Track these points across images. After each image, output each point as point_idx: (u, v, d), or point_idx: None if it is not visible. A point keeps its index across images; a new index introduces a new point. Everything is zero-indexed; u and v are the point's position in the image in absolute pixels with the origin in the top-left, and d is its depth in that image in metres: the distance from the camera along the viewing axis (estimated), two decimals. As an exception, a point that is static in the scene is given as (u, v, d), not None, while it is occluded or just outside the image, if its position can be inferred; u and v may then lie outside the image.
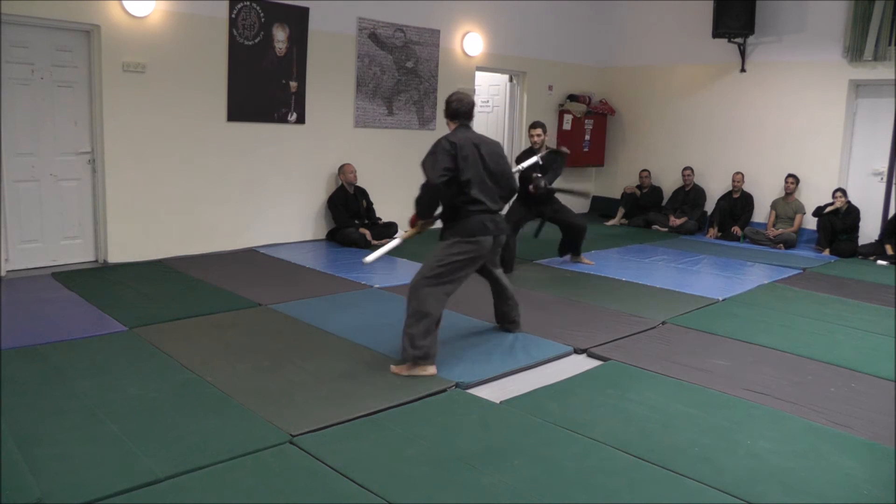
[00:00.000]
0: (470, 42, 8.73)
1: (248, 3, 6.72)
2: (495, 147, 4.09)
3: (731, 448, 3.02)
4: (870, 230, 8.14)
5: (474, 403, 3.45)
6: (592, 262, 6.84)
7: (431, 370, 3.77)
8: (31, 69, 5.70)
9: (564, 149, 6.54)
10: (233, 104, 6.77)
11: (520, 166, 5.27)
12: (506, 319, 4.58)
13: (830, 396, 3.65)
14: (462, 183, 3.86)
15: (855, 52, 8.06)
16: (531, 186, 6.20)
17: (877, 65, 7.98)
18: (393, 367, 3.82)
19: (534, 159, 5.65)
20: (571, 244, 6.81)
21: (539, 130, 6.35)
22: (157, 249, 6.42)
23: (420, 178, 3.90)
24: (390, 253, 4.28)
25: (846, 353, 4.33)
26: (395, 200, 8.06)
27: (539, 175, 6.22)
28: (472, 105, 4.07)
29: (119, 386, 3.46)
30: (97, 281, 5.53)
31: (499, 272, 4.45)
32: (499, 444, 2.99)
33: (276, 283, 5.65)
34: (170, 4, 6.24)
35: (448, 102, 4.08)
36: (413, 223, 4.08)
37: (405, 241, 4.15)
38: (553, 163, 6.39)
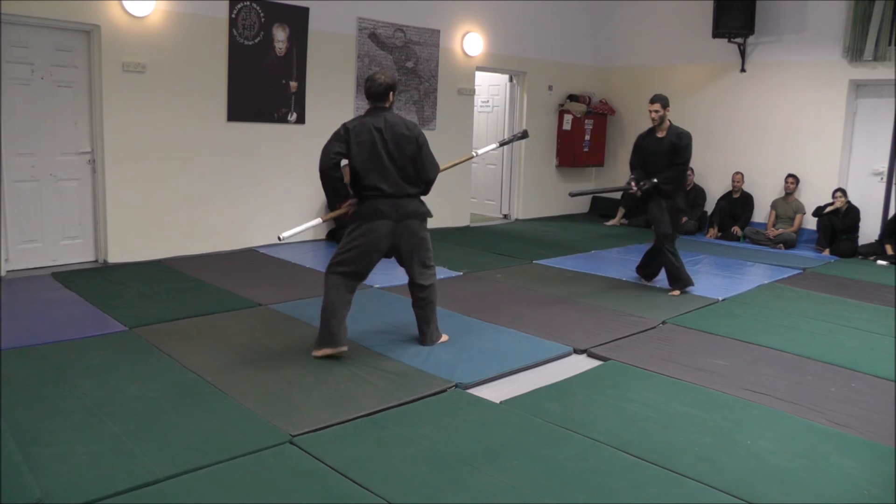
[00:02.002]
0: (470, 42, 8.73)
1: (248, 3, 6.72)
2: (403, 131, 3.91)
3: (731, 448, 3.02)
4: (870, 230, 8.14)
5: (474, 403, 3.45)
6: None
7: (340, 349, 3.94)
8: (31, 69, 5.70)
9: (522, 131, 5.47)
10: (233, 104, 6.78)
11: (477, 153, 4.90)
12: (418, 326, 4.28)
13: (830, 396, 3.65)
14: (353, 168, 3.86)
15: (855, 52, 8.06)
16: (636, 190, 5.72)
17: (877, 65, 7.98)
18: (314, 352, 3.97)
19: (491, 146, 5.06)
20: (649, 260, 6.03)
21: (657, 105, 5.64)
22: (157, 249, 6.42)
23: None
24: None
25: (846, 353, 4.33)
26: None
27: (633, 178, 5.76)
28: (382, 87, 3.92)
29: (119, 386, 3.46)
30: (97, 281, 5.53)
31: (420, 272, 4.11)
32: (499, 444, 2.99)
33: (276, 283, 5.65)
34: (170, 4, 6.24)
35: (364, 83, 4.04)
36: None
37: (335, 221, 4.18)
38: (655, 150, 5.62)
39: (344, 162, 3.91)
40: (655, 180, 5.67)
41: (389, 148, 3.89)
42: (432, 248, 4.21)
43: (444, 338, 4.34)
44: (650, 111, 5.71)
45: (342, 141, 3.86)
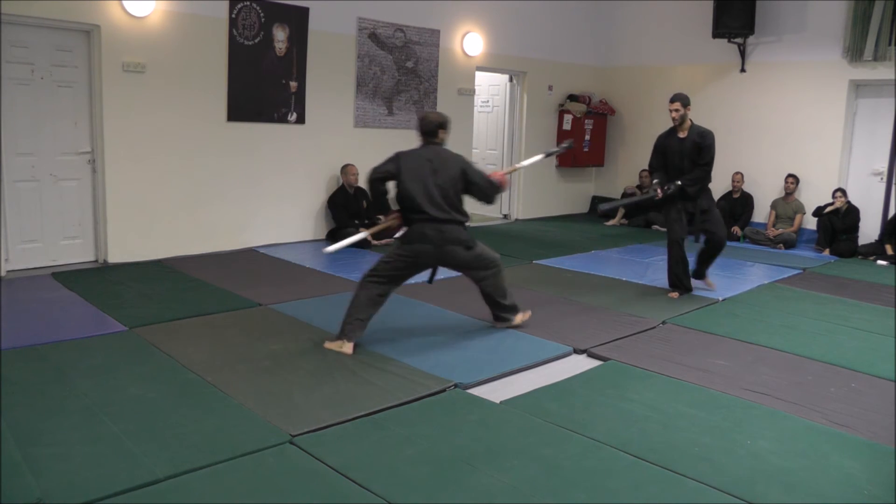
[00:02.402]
0: (470, 42, 8.73)
1: (248, 3, 6.72)
2: (449, 159, 4.28)
3: (731, 448, 3.02)
4: (870, 230, 8.13)
5: (474, 403, 3.45)
6: (715, 285, 5.86)
7: (346, 348, 4.09)
8: (31, 69, 5.70)
9: (566, 143, 5.61)
10: (233, 104, 6.78)
11: (520, 164, 5.08)
12: (496, 318, 4.70)
13: (830, 396, 3.65)
14: (402, 192, 4.20)
15: (855, 52, 8.06)
16: (658, 192, 5.54)
17: (877, 65, 7.98)
18: (326, 343, 4.18)
19: (537, 157, 5.17)
20: (702, 259, 5.84)
21: (678, 104, 5.46)
22: (157, 249, 6.42)
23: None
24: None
25: (846, 353, 4.33)
26: (395, 200, 8.06)
27: (657, 182, 5.57)
28: (433, 125, 4.30)
29: (119, 386, 3.46)
30: (97, 281, 5.53)
31: (477, 277, 4.46)
32: (499, 444, 2.99)
33: (276, 283, 5.65)
34: (170, 4, 6.24)
35: (418, 121, 4.41)
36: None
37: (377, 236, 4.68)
38: (702, 162, 5.41)
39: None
40: (679, 182, 5.46)
41: (437, 175, 4.20)
42: (485, 248, 4.47)
43: (520, 318, 4.66)
44: (670, 110, 5.51)
45: (393, 163, 4.24)
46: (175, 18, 6.30)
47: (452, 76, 8.65)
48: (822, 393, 3.69)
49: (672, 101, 5.53)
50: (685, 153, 5.51)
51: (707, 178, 5.57)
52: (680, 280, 5.71)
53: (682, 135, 5.56)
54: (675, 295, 5.70)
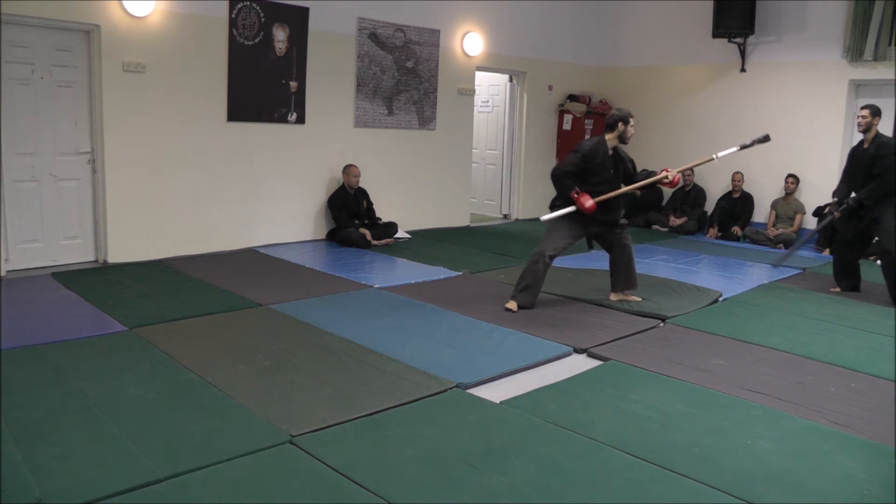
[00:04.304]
0: (470, 42, 8.73)
1: (248, 3, 6.72)
2: None
3: (731, 448, 3.02)
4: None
5: (474, 403, 3.45)
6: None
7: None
8: (31, 69, 5.71)
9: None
10: (233, 104, 6.78)
11: (717, 156, 5.07)
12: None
13: (830, 396, 3.65)
14: None
15: (855, 52, 8.06)
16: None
17: (877, 65, 7.98)
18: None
19: (732, 150, 5.15)
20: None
21: (865, 112, 5.54)
22: (157, 249, 6.42)
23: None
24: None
25: (846, 353, 4.33)
26: (395, 200, 8.07)
27: (835, 200, 5.60)
28: (609, 119, 5.05)
29: (119, 386, 3.46)
30: (97, 281, 5.53)
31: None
32: (499, 444, 2.99)
33: (276, 283, 5.65)
34: (170, 4, 6.25)
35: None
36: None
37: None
38: None
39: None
40: (854, 196, 5.54)
41: None
42: (546, 236, 5.17)
43: (511, 304, 5.09)
44: (857, 116, 5.52)
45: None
46: (175, 18, 6.30)
47: (452, 76, 8.65)
48: (822, 393, 3.69)
49: (862, 108, 5.58)
50: (865, 164, 5.52)
51: (881, 189, 5.46)
52: (838, 278, 5.93)
53: (865, 145, 5.58)
54: (835, 290, 5.98)
